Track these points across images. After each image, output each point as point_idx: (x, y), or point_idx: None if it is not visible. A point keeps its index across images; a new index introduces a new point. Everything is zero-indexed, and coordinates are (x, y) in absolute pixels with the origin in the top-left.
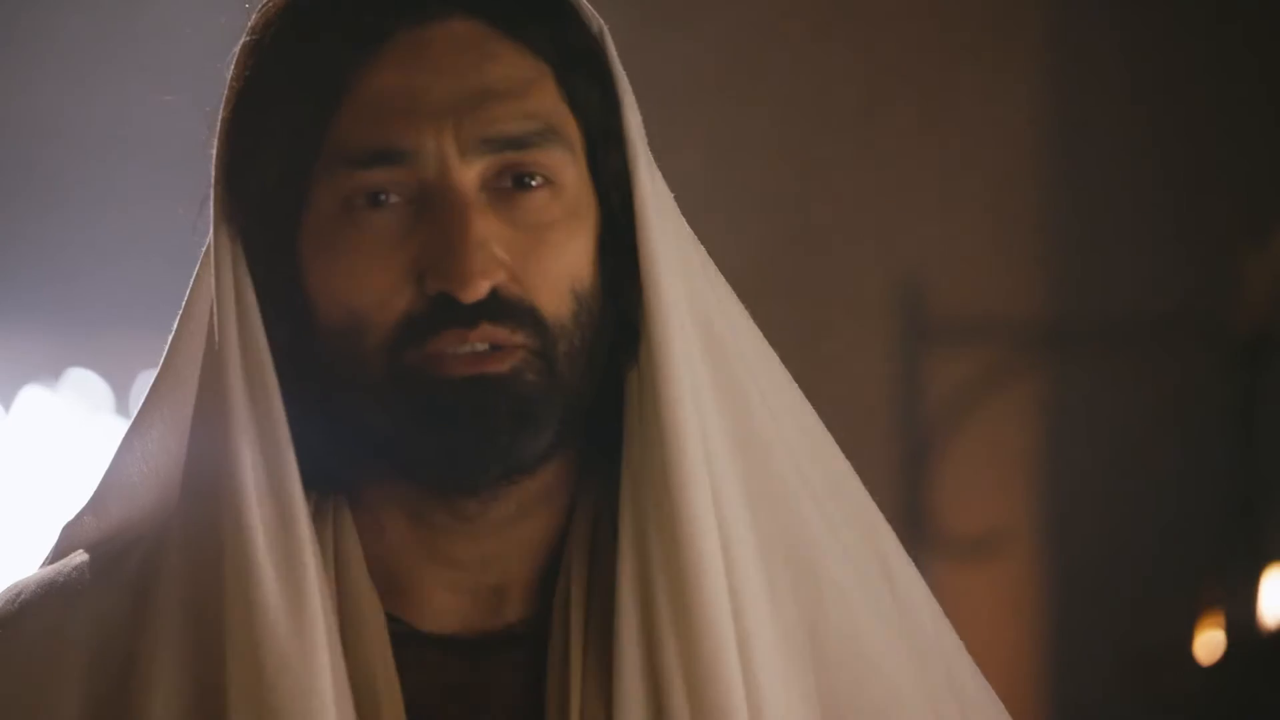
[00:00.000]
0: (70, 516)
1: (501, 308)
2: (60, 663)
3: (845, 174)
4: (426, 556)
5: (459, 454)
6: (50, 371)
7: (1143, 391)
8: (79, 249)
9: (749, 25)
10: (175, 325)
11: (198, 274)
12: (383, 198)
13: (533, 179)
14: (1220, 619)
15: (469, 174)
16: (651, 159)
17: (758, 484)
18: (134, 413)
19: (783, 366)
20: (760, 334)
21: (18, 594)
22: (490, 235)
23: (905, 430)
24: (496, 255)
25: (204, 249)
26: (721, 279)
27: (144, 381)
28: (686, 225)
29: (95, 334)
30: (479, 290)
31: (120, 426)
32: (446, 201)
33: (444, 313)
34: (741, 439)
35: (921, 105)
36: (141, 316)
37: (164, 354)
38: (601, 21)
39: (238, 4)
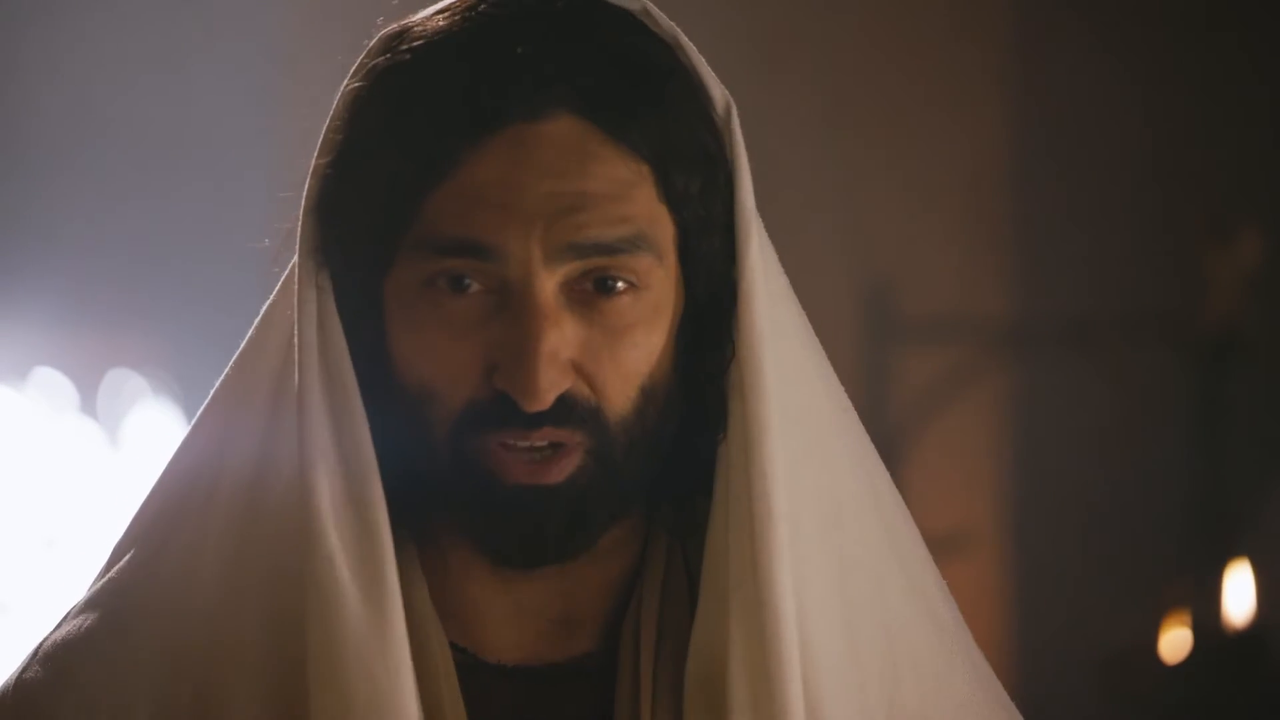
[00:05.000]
0: (120, 538)
1: (565, 412)
2: (129, 691)
3: (811, 173)
4: (492, 591)
5: (514, 545)
6: (16, 371)
7: (1109, 390)
8: (47, 248)
9: (715, 27)
10: (238, 355)
11: (274, 300)
12: (466, 282)
13: (617, 282)
14: (1185, 617)
15: (551, 281)
16: (764, 235)
17: (851, 554)
18: (100, 413)
19: (864, 430)
20: (846, 396)
21: (81, 622)
22: (564, 341)
23: (872, 428)
24: (567, 363)
25: (279, 284)
26: (816, 341)
27: (111, 381)
28: (789, 287)
29: (62, 334)
30: (543, 404)
31: (86, 426)
32: (524, 308)
33: (508, 409)
34: (833, 516)
35: (889, 104)
36: (109, 317)
37: (221, 380)
38: (730, 99)
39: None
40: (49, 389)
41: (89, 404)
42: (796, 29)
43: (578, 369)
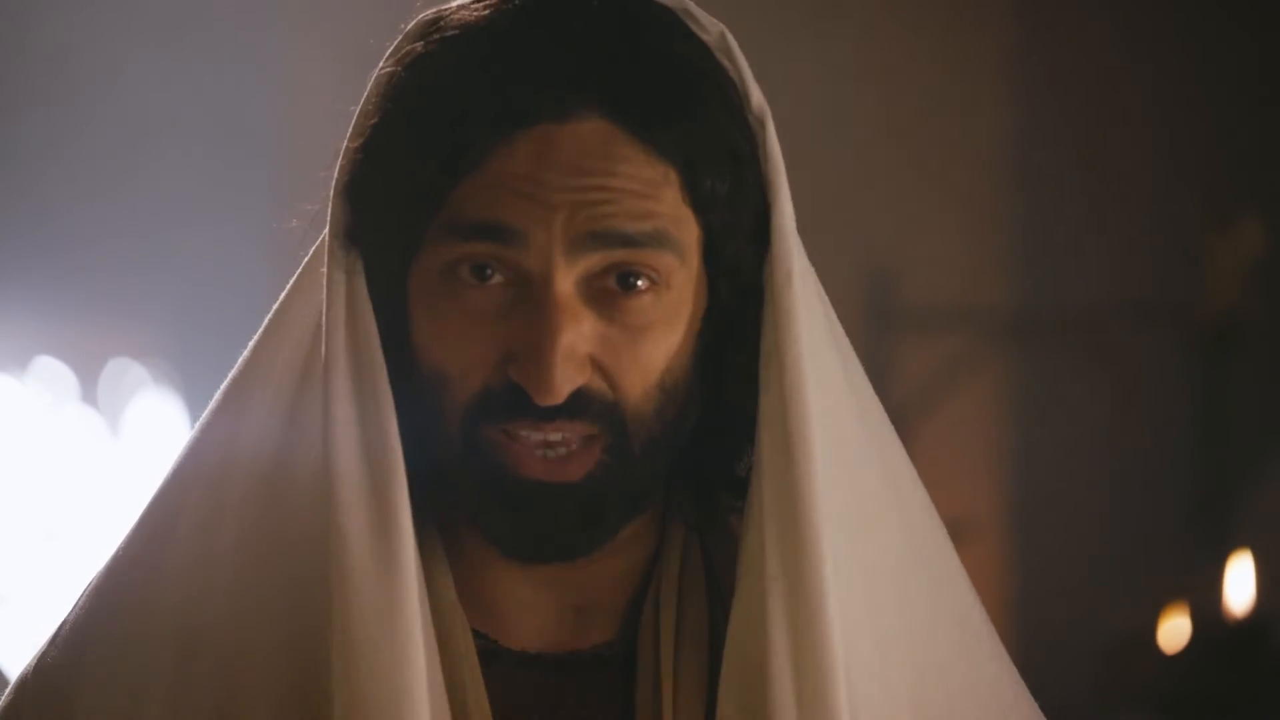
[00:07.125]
0: (138, 516)
1: (581, 406)
2: (144, 669)
3: (814, 164)
4: (510, 579)
5: (526, 540)
6: (17, 360)
7: (1109, 380)
8: (47, 238)
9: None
10: (259, 337)
11: (298, 282)
12: (489, 272)
13: (639, 279)
14: (1185, 608)
15: (571, 274)
16: (797, 237)
17: (875, 556)
18: (101, 403)
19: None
20: (871, 391)
21: (95, 603)
22: (581, 337)
23: None
24: (584, 358)
25: (300, 266)
26: (845, 337)
27: (112, 371)
28: (818, 283)
29: (63, 323)
30: (557, 398)
31: (87, 416)
32: (542, 302)
33: (520, 400)
34: (856, 519)
35: (892, 98)
36: (110, 306)
37: (242, 361)
38: (765, 105)
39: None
40: (50, 378)
41: (90, 393)
42: (798, 18)
43: (596, 365)
